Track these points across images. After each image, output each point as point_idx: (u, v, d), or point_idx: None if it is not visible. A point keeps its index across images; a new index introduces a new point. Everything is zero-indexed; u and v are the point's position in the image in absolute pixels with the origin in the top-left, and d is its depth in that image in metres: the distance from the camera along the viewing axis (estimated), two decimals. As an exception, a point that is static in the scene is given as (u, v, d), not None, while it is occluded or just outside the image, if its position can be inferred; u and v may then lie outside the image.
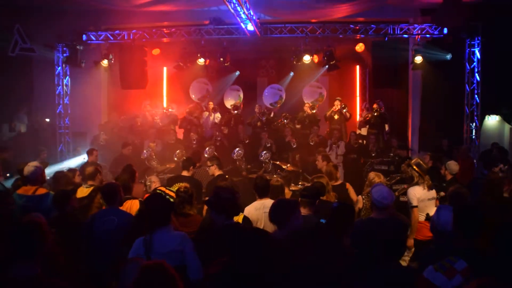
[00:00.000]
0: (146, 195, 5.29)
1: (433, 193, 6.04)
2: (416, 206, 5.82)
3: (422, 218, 5.86)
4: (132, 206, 5.12)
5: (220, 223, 3.86)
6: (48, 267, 2.97)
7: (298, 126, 12.36)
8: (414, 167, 6.00)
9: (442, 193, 6.55)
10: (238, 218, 4.85)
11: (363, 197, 5.94)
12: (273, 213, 3.95)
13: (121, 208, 4.84)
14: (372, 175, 6.00)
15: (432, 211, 5.87)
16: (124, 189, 5.28)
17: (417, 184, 5.91)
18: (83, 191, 5.94)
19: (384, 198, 4.37)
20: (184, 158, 7.28)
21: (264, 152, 9.27)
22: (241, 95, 13.65)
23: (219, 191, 4.07)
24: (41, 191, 5.29)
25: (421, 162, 6.11)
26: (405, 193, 6.29)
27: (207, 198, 4.60)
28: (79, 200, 5.67)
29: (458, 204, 4.33)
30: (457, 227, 3.62)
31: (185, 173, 6.50)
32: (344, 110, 12.18)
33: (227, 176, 6.04)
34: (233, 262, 2.84)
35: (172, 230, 3.80)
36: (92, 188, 5.90)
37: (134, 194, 5.96)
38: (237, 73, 13.96)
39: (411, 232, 5.67)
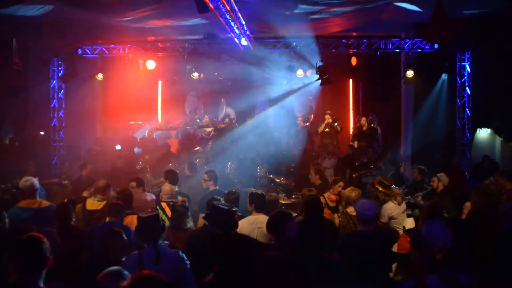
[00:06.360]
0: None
1: (404, 205, 6.18)
2: (385, 223, 5.93)
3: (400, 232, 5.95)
4: (132, 221, 5.11)
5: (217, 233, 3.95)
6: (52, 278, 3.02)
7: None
8: (377, 186, 6.08)
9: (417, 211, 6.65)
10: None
11: (339, 214, 5.79)
12: (268, 224, 4.04)
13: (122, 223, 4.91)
14: (348, 190, 5.88)
15: (406, 222, 5.99)
16: (127, 203, 5.44)
17: (385, 202, 6.05)
18: (94, 204, 5.89)
19: (366, 209, 4.40)
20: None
21: (260, 167, 9.35)
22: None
23: (215, 206, 4.16)
24: (45, 203, 5.41)
25: (382, 179, 6.18)
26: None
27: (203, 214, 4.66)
28: (90, 213, 5.71)
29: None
30: (458, 240, 3.68)
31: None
32: (336, 124, 12.25)
33: (233, 190, 6.08)
34: (225, 270, 2.92)
35: (167, 246, 3.83)
36: (104, 202, 5.86)
37: (139, 204, 6.14)
38: (229, 83, 14.02)
39: None
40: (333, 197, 6.68)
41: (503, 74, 10.29)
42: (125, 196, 5.66)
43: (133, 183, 6.78)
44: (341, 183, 6.80)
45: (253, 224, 4.92)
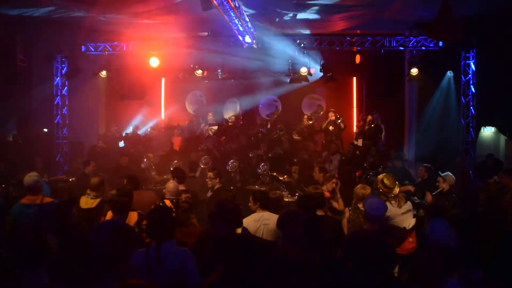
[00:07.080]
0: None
1: (407, 206, 6.05)
2: None
3: None
4: (130, 218, 5.13)
5: (222, 234, 3.93)
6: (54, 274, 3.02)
7: (297, 138, 12.43)
8: (379, 185, 6.00)
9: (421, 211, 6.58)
10: (237, 230, 4.90)
11: (350, 208, 5.83)
12: (277, 222, 4.06)
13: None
14: (359, 188, 5.87)
15: (408, 223, 5.96)
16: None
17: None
18: (88, 202, 5.88)
19: (374, 209, 4.39)
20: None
21: (262, 164, 9.30)
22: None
23: (222, 203, 4.16)
24: (47, 199, 5.40)
25: (385, 179, 6.06)
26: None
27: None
28: (85, 212, 5.68)
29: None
30: (463, 240, 3.68)
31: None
32: (339, 121, 12.21)
33: (231, 188, 6.06)
34: (231, 270, 2.90)
35: (175, 244, 3.76)
36: (98, 200, 5.88)
37: (142, 201, 6.06)
38: (232, 80, 14.02)
39: None
40: (327, 194, 6.66)
41: (503, 74, 10.28)
42: (125, 194, 5.55)
43: (125, 180, 6.68)
44: (334, 180, 6.78)
45: (259, 221, 4.93)
